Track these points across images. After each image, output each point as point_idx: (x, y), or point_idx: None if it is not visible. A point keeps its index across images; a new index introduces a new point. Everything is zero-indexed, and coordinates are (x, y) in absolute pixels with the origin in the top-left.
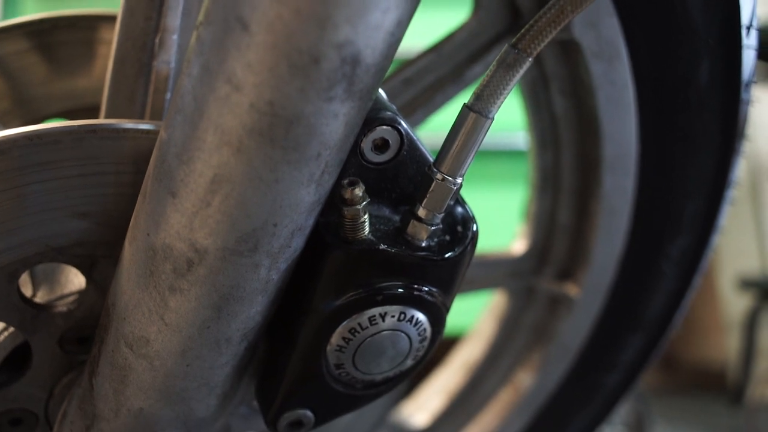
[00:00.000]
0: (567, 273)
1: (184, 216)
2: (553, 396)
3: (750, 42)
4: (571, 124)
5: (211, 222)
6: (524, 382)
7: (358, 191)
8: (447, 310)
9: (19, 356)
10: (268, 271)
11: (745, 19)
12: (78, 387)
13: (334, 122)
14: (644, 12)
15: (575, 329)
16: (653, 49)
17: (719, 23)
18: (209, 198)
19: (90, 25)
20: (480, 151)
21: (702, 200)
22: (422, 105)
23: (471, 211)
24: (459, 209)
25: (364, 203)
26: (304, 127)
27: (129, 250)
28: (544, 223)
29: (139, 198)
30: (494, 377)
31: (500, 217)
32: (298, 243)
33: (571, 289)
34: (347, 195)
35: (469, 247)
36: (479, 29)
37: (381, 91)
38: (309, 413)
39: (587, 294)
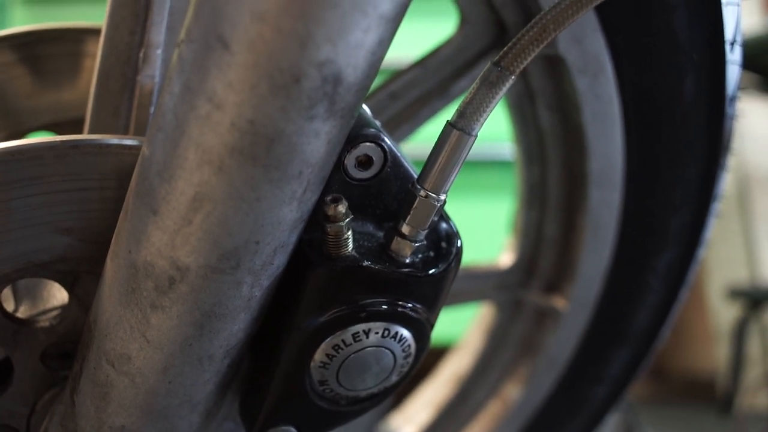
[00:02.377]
0: (554, 286)
1: (165, 234)
2: (541, 408)
3: (734, 57)
4: (557, 139)
5: (192, 240)
6: (512, 394)
7: (341, 208)
8: (432, 325)
9: (1, 372)
10: (251, 288)
11: (729, 34)
12: (60, 403)
13: (316, 141)
14: (629, 28)
15: (562, 342)
16: (638, 64)
17: (704, 39)
18: (190, 216)
19: (76, 38)
20: (467, 161)
21: (688, 214)
22: (408, 119)
23: (455, 227)
24: (443, 225)
25: (347, 220)
26: (285, 145)
27: (111, 267)
28: (531, 237)
29: (121, 215)
30: (482, 390)
31: (488, 227)
32: (281, 260)
33: (558, 302)
34: (330, 212)
35: (453, 264)
36: (465, 44)
37: (365, 107)
38: (293, 429)
39: (574, 307)
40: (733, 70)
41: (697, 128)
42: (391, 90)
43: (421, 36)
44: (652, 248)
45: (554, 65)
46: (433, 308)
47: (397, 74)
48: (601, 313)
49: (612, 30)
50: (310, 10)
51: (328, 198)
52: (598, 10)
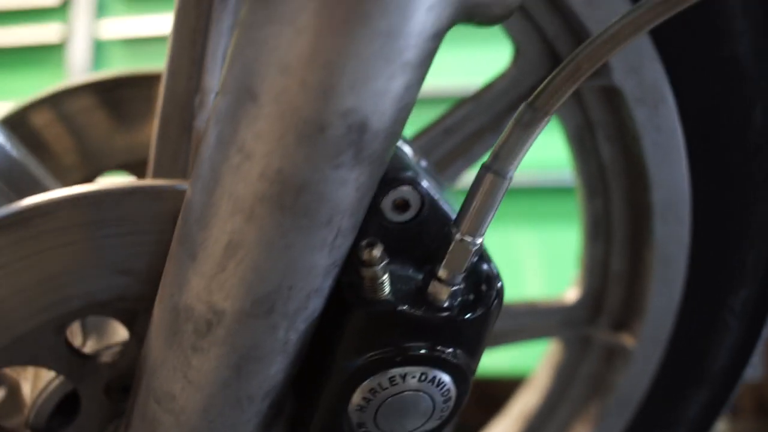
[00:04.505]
0: (622, 323)
1: (202, 279)
2: None
3: None
4: (619, 171)
5: (227, 285)
6: None
7: (376, 252)
8: (472, 370)
9: (70, 403)
10: (286, 332)
11: None
12: None
13: (344, 188)
14: (690, 57)
15: (634, 382)
16: (701, 94)
17: None
18: (225, 262)
19: (150, 83)
20: (536, 187)
21: (766, 249)
22: (462, 155)
23: (496, 269)
24: (484, 266)
25: (383, 264)
26: (312, 194)
27: (157, 309)
28: (598, 271)
29: (167, 259)
30: (551, 429)
31: (556, 257)
32: (316, 304)
33: (627, 340)
34: (365, 256)
35: (493, 307)
36: (520, 77)
37: (406, 148)
38: None
39: (644, 345)
40: None
41: None
42: (446, 125)
43: (479, 64)
44: (726, 285)
45: (611, 96)
46: (473, 352)
47: (452, 109)
48: (674, 353)
49: (671, 59)
50: (332, 60)
51: (364, 242)
52: (656, 39)
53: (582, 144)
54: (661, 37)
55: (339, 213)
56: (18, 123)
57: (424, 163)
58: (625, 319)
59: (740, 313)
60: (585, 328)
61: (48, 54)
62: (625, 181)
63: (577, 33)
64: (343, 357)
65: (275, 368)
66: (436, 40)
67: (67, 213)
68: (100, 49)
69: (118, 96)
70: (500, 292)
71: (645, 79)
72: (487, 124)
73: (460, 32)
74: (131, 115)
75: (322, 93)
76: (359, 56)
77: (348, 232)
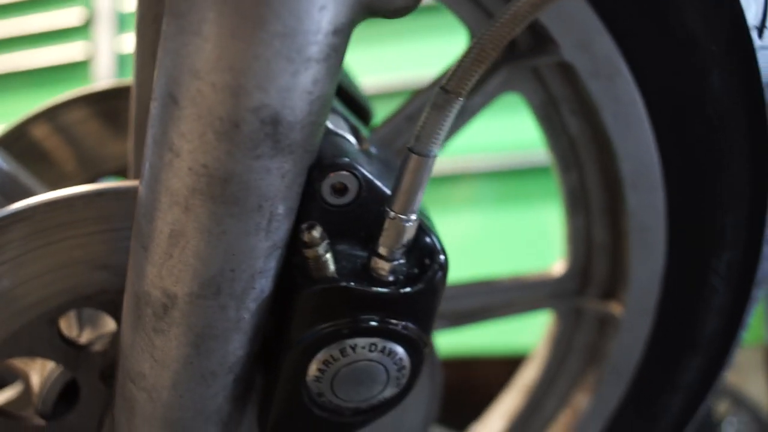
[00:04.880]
0: (610, 292)
1: (154, 267)
2: (615, 418)
3: (765, 43)
4: (588, 143)
5: (175, 271)
6: (582, 404)
7: (316, 233)
8: (423, 340)
9: (73, 390)
10: (237, 311)
11: (752, 19)
12: (108, 417)
13: (268, 176)
14: (637, 28)
15: (626, 350)
16: (655, 63)
17: (723, 30)
18: (170, 250)
19: None
20: (515, 169)
21: (742, 212)
22: None
23: (439, 243)
24: (427, 240)
25: (324, 243)
26: (238, 183)
27: (125, 297)
28: (581, 243)
29: (129, 252)
30: (553, 400)
31: (543, 236)
32: (263, 285)
33: (615, 309)
34: (306, 238)
35: (437, 279)
36: None
37: (347, 136)
38: None
39: (632, 313)
40: (765, 56)
41: (734, 122)
42: (408, 113)
43: (440, 54)
44: (708, 249)
45: (567, 71)
46: (424, 324)
47: (412, 98)
48: (664, 319)
49: (619, 32)
50: (235, 64)
51: (303, 225)
52: (602, 14)
53: (549, 120)
54: (608, 12)
55: (268, 199)
56: (18, 136)
57: (374, 150)
58: (612, 289)
59: (726, 276)
60: (574, 299)
61: (74, 71)
62: (596, 153)
63: None
64: (296, 332)
65: (233, 345)
66: (339, 35)
67: (45, 216)
68: (123, 63)
69: (109, 106)
70: (443, 265)
71: (596, 54)
72: None
73: (418, 25)
74: (122, 123)
75: (231, 93)
76: (260, 57)
77: (282, 216)
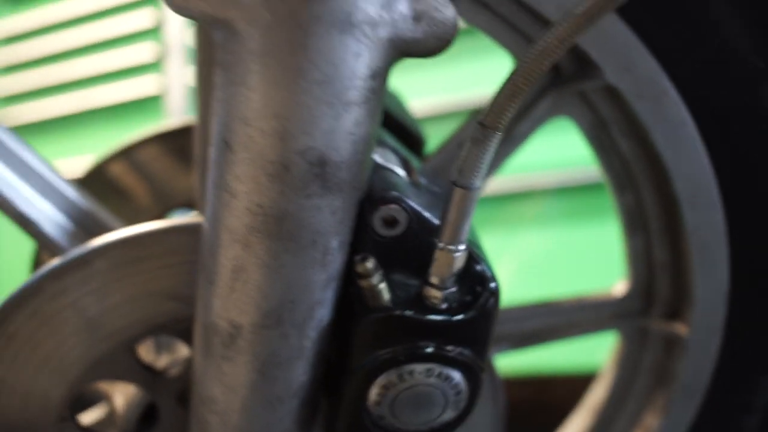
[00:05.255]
0: (674, 312)
1: (219, 299)
2: None
3: None
4: (641, 164)
5: (239, 303)
6: (653, 425)
7: (369, 264)
8: (479, 364)
9: (150, 413)
10: (299, 340)
11: None
12: None
13: (319, 214)
14: (680, 49)
15: (695, 370)
16: (700, 81)
17: None
18: (233, 284)
19: None
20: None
21: None
22: None
23: (489, 270)
24: (478, 268)
25: (377, 274)
26: (292, 221)
27: (195, 327)
28: (642, 263)
29: (197, 285)
30: (623, 421)
31: (613, 252)
32: (322, 314)
33: (681, 329)
34: (360, 269)
35: (489, 305)
36: None
37: (396, 169)
38: None
39: (698, 333)
40: None
41: None
42: (459, 140)
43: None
44: None
45: (614, 94)
46: (479, 349)
47: (464, 123)
48: (734, 338)
49: (662, 53)
50: (280, 111)
51: (357, 257)
52: (642, 35)
53: (600, 142)
54: (648, 33)
55: (321, 235)
56: (98, 174)
57: (424, 180)
58: (676, 308)
59: None
60: (638, 319)
61: (147, 106)
62: (650, 173)
63: None
64: (357, 358)
65: (296, 372)
66: (376, 78)
67: (116, 253)
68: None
69: (179, 144)
70: (494, 292)
71: (640, 75)
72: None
73: (472, 45)
74: (190, 159)
75: (279, 138)
76: (302, 104)
77: (336, 250)
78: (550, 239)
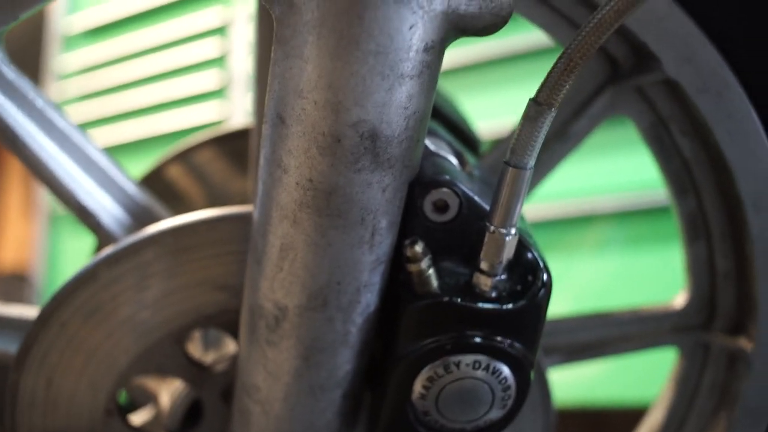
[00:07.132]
0: (738, 326)
1: (266, 280)
2: None
3: None
4: (702, 165)
5: (285, 284)
6: None
7: (418, 249)
8: (529, 359)
9: (195, 409)
10: (344, 324)
11: None
12: None
13: (369, 189)
14: (744, 38)
15: (761, 389)
16: (766, 74)
17: None
18: (281, 263)
19: None
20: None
21: None
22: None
23: (542, 259)
24: (529, 256)
25: (426, 259)
26: (341, 196)
27: (241, 312)
28: (704, 272)
29: (246, 269)
30: None
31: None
32: (368, 299)
33: (745, 344)
34: (409, 253)
35: (540, 295)
36: (579, 84)
37: (449, 156)
38: None
39: (764, 348)
40: None
41: None
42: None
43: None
44: None
45: (674, 89)
46: (528, 342)
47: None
48: None
49: (725, 43)
50: (333, 81)
51: (407, 241)
52: (703, 24)
53: (660, 142)
54: (709, 22)
55: (370, 212)
56: (156, 176)
57: (477, 172)
58: (740, 322)
59: None
60: (699, 334)
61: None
62: (712, 173)
63: (625, 34)
64: (402, 347)
65: (340, 359)
66: (430, 52)
67: (170, 240)
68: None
69: (234, 146)
70: (546, 283)
71: (701, 67)
72: (552, 133)
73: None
74: (245, 161)
75: (331, 110)
76: (356, 75)
77: (385, 230)
78: (611, 265)
